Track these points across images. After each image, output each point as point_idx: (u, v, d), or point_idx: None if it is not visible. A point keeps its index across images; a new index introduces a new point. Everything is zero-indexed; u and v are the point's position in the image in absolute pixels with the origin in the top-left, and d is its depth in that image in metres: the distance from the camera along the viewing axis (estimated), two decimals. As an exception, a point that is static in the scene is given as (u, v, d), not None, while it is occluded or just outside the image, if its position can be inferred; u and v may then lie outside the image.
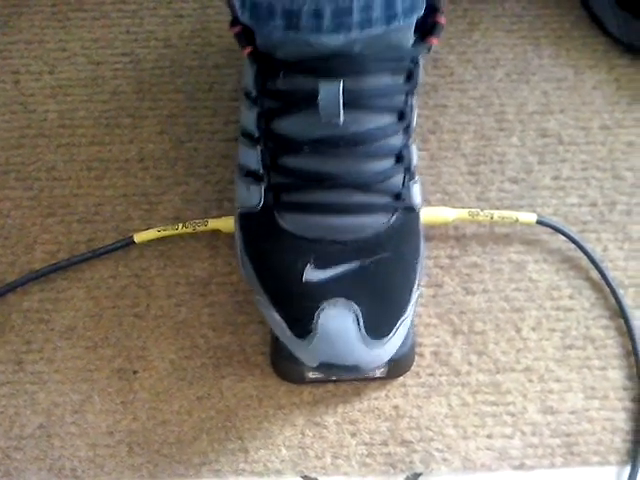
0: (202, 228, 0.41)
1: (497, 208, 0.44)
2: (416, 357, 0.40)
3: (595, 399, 0.39)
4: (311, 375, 0.38)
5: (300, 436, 0.38)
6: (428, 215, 0.41)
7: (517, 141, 0.46)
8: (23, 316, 0.41)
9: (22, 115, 0.47)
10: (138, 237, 0.41)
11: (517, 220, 0.42)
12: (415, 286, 0.36)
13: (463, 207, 0.43)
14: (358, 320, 0.33)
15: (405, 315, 0.35)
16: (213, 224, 0.41)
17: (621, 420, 0.38)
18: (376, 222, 0.35)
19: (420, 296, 0.41)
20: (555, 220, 0.43)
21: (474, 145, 0.46)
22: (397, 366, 0.38)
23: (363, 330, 0.33)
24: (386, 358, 0.35)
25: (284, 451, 0.38)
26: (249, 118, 0.37)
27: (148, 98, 0.48)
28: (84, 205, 0.44)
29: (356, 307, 0.33)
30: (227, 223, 0.40)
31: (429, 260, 0.42)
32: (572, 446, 0.38)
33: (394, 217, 0.36)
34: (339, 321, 0.33)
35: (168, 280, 0.42)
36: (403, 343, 0.37)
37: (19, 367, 0.40)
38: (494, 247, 0.43)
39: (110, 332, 0.40)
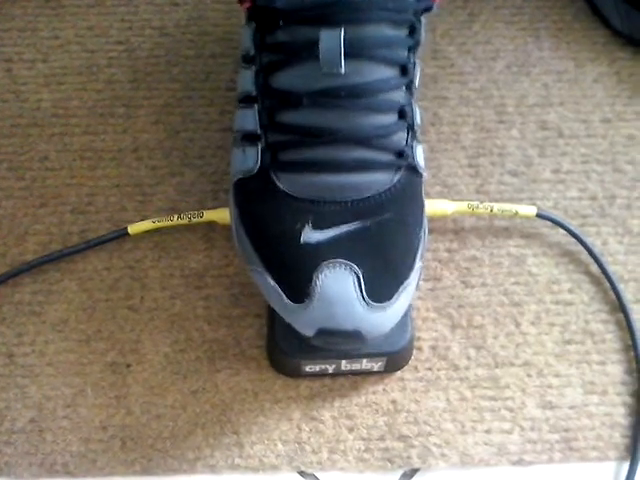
0: (197, 220, 0.40)
1: (497, 201, 0.43)
2: (414, 351, 0.39)
3: (594, 394, 0.39)
4: (308, 368, 0.37)
5: (296, 431, 0.37)
6: (427, 208, 0.40)
7: (517, 134, 0.46)
8: (14, 308, 0.40)
9: (14, 104, 0.46)
10: (132, 228, 0.41)
11: (517, 213, 0.41)
12: (419, 254, 0.35)
13: (462, 200, 0.43)
14: (359, 282, 0.32)
15: (408, 281, 0.34)
16: (209, 215, 0.40)
17: (620, 415, 0.38)
18: (378, 181, 0.34)
19: (418, 289, 0.41)
20: (555, 213, 0.42)
21: (474, 137, 0.46)
22: (395, 360, 0.38)
23: (364, 293, 0.32)
24: (389, 325, 0.33)
25: (280, 446, 0.37)
26: (247, 78, 0.36)
27: (143, 87, 0.47)
28: (77, 195, 0.43)
29: (356, 269, 0.32)
30: (223, 215, 0.40)
31: (427, 253, 0.42)
32: (571, 441, 0.38)
33: (397, 177, 0.35)
34: (338, 283, 0.32)
35: (162, 272, 0.41)
36: (401, 336, 0.37)
37: (10, 360, 0.39)
38: (493, 240, 0.42)
39: (103, 325, 0.40)
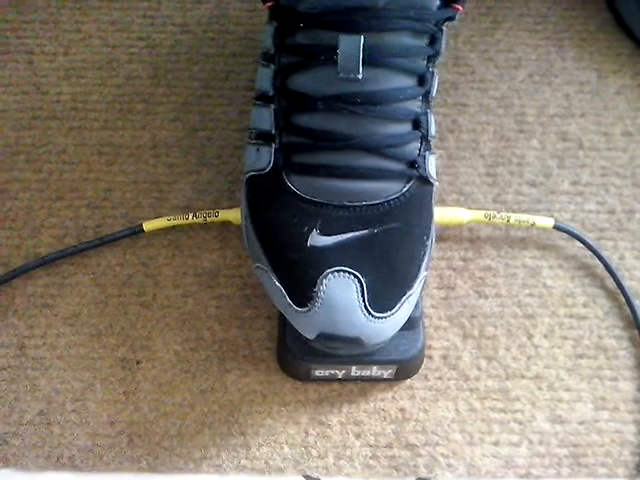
0: (212, 219, 0.40)
1: (514, 211, 0.43)
2: (425, 360, 0.39)
3: (605, 410, 0.38)
4: (317, 373, 0.37)
5: (303, 434, 0.37)
6: (443, 215, 0.40)
7: (537, 144, 0.45)
8: (27, 300, 0.40)
9: (34, 96, 0.46)
10: (147, 225, 0.41)
11: (534, 224, 0.41)
12: (424, 264, 0.34)
13: (479, 209, 0.42)
14: (362, 291, 0.32)
15: (411, 291, 0.33)
16: (224, 215, 0.40)
17: (630, 433, 0.38)
18: (388, 189, 0.34)
19: (431, 297, 0.41)
20: (572, 226, 0.42)
21: (493, 146, 0.45)
22: (405, 368, 0.38)
23: (367, 302, 0.32)
24: (389, 334, 0.33)
25: (286, 449, 0.37)
26: (265, 77, 0.36)
27: (163, 84, 0.47)
28: (93, 190, 0.43)
29: (360, 277, 0.32)
30: (238, 215, 0.40)
31: (442, 261, 0.42)
32: (579, 457, 0.37)
33: (407, 186, 0.35)
34: (342, 290, 0.32)
35: (176, 270, 0.41)
36: (413, 345, 0.37)
37: (21, 352, 0.39)
38: (509, 251, 0.42)
39: (115, 321, 0.40)
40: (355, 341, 0.32)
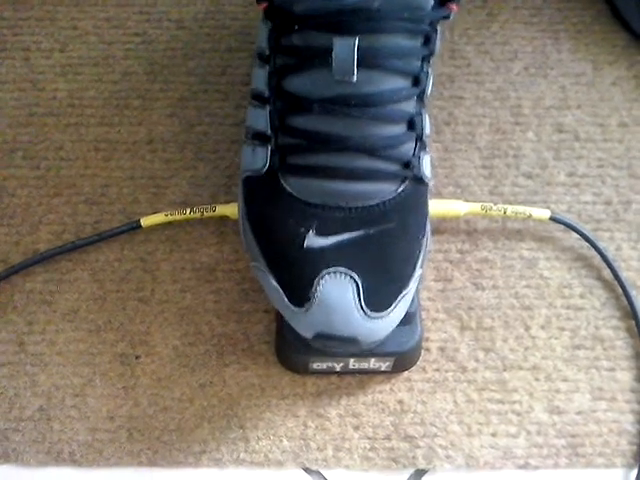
0: (210, 214, 0.41)
1: (510, 203, 0.43)
2: (423, 352, 0.39)
3: (602, 400, 0.38)
4: (315, 366, 0.37)
5: (302, 427, 0.37)
6: (439, 208, 0.40)
7: (533, 136, 0.46)
8: (26, 297, 0.40)
9: (31, 93, 0.47)
10: (145, 221, 0.41)
11: (530, 216, 0.41)
12: (419, 262, 0.35)
13: (476, 201, 0.43)
14: (358, 291, 0.32)
15: (406, 290, 0.34)
16: (221, 210, 0.40)
17: (628, 422, 0.38)
18: (383, 190, 0.34)
19: (428, 290, 0.41)
20: (569, 217, 0.42)
21: (489, 138, 0.45)
22: (403, 360, 0.38)
23: (363, 302, 0.32)
24: (385, 333, 0.34)
25: (285, 442, 0.37)
26: (260, 78, 0.36)
27: (159, 80, 0.47)
28: (91, 186, 0.43)
29: (357, 277, 0.32)
30: (235, 209, 0.40)
31: (439, 254, 0.42)
32: (577, 447, 0.37)
33: (402, 187, 0.35)
34: (338, 291, 0.32)
35: (174, 265, 0.41)
36: (410, 337, 0.37)
37: (20, 348, 0.39)
38: (506, 243, 0.42)
39: (113, 316, 0.40)
40: (351, 340, 0.32)
